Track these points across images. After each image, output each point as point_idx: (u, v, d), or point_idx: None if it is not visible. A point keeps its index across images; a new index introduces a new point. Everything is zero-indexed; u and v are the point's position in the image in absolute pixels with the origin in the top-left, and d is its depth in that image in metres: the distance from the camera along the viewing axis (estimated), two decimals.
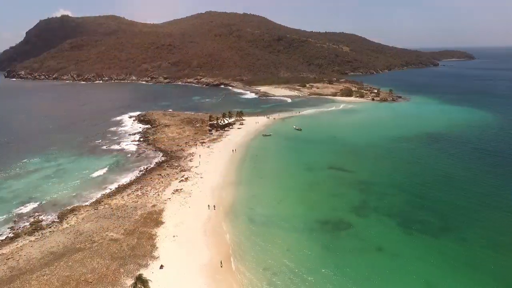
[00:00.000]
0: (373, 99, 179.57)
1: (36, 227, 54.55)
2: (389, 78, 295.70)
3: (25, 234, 52.55)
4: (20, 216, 59.60)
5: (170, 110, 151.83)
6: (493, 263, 43.46)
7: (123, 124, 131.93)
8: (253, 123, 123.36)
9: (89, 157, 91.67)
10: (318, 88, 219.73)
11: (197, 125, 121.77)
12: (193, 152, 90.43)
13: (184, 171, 76.67)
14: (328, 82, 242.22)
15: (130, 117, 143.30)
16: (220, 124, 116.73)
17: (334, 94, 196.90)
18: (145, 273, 40.03)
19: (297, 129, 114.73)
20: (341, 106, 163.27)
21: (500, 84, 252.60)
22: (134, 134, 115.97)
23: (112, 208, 58.94)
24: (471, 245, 47.28)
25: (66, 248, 47.03)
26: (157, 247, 47.22)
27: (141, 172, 78.83)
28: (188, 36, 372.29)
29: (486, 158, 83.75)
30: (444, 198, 61.80)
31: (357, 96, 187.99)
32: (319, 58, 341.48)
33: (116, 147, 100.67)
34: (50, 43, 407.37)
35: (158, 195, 64.12)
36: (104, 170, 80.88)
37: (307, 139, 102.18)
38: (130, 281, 39.00)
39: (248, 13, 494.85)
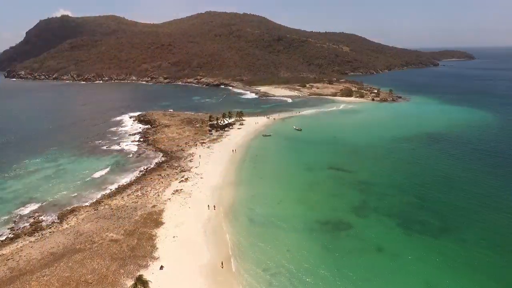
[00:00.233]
0: (373, 99, 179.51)
1: (36, 227, 54.60)
2: (389, 78, 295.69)
3: (25, 234, 52.56)
4: (20, 216, 59.63)
5: (170, 110, 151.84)
6: (493, 263, 43.48)
7: (123, 124, 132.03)
8: (253, 123, 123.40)
9: (89, 157, 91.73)
10: (318, 88, 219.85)
11: (197, 125, 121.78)
12: (193, 153, 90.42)
13: (184, 171, 76.68)
14: (328, 82, 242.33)
15: (130, 117, 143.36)
16: (220, 124, 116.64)
17: (334, 94, 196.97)
18: (145, 273, 40.07)
19: (297, 129, 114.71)
20: (341, 106, 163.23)
21: (500, 84, 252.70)
22: (134, 134, 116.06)
23: (112, 209, 58.96)
24: (471, 246, 47.28)
25: (66, 248, 47.04)
26: (157, 248, 47.22)
27: (141, 173, 78.88)
28: (188, 36, 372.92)
29: (486, 159, 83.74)
30: (444, 199, 61.85)
31: (357, 96, 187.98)
32: (319, 58, 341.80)
33: (116, 147, 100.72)
34: (50, 43, 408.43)
35: (158, 195, 64.11)
36: (104, 170, 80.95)
37: (307, 139, 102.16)
38: (130, 282, 38.97)
39: (248, 13, 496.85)
